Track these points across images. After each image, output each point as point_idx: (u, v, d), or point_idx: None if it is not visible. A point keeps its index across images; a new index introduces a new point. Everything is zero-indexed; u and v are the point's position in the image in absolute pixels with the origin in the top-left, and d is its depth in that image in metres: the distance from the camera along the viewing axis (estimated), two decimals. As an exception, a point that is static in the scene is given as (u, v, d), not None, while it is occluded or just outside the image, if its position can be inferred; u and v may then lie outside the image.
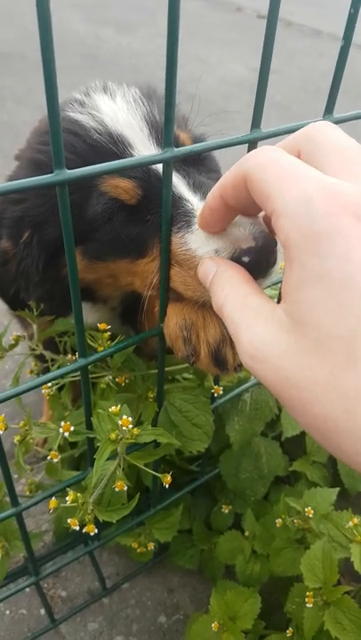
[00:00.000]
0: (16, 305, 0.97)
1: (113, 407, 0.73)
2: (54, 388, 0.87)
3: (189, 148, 0.63)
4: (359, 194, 0.43)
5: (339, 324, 0.40)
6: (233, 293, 0.53)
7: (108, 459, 0.72)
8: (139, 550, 1.12)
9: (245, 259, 0.61)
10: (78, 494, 0.75)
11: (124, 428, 0.71)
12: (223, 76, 4.58)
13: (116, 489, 0.74)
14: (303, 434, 1.26)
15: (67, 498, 0.74)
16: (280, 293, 0.51)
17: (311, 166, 0.46)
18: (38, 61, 0.44)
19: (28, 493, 1.15)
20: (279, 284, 0.94)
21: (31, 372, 1.12)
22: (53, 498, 0.78)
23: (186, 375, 1.05)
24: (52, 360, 0.98)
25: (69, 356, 0.97)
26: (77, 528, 0.75)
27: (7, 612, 1.29)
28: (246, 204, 0.55)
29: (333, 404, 0.40)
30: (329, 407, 0.40)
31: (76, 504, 0.75)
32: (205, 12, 6.53)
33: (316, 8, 6.94)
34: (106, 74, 4.04)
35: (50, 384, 0.86)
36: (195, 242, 0.69)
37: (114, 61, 4.75)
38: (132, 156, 0.79)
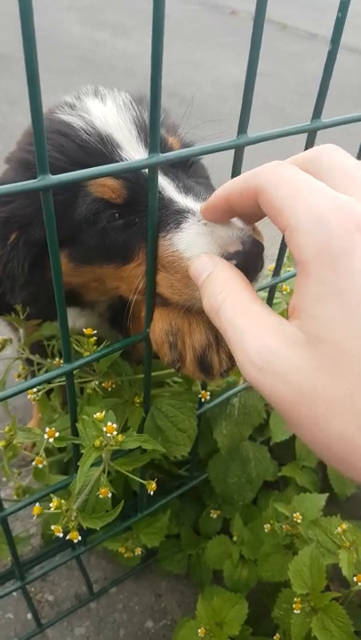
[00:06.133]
0: (2, 308, 0.96)
1: (98, 413, 0.72)
2: (41, 392, 0.86)
3: (175, 153, 0.63)
4: None
5: (356, 341, 0.40)
6: (234, 297, 0.51)
7: (93, 464, 0.72)
8: (126, 555, 1.12)
9: (233, 262, 0.61)
10: (62, 501, 0.74)
11: (108, 434, 0.70)
12: (218, 79, 4.58)
13: (100, 496, 0.73)
14: (292, 439, 1.26)
15: (50, 504, 0.74)
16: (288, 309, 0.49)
17: None
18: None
19: (15, 497, 1.14)
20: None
21: (19, 375, 1.12)
22: (37, 504, 0.77)
23: (175, 379, 1.05)
24: (39, 364, 0.98)
25: (57, 359, 0.96)
26: (61, 535, 0.75)
27: (-6, 616, 1.28)
28: (250, 212, 0.55)
29: (349, 422, 0.40)
30: (343, 425, 0.40)
31: (59, 510, 0.74)
32: (200, 15, 6.52)
33: (311, 11, 6.94)
34: (101, 77, 4.06)
35: (35, 389, 0.85)
36: (182, 243, 0.69)
37: (109, 64, 4.74)
38: (120, 156, 0.79)
